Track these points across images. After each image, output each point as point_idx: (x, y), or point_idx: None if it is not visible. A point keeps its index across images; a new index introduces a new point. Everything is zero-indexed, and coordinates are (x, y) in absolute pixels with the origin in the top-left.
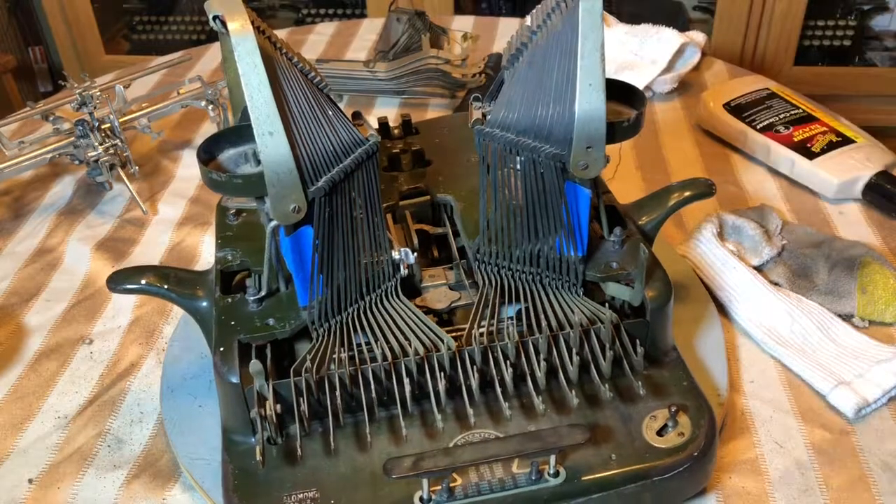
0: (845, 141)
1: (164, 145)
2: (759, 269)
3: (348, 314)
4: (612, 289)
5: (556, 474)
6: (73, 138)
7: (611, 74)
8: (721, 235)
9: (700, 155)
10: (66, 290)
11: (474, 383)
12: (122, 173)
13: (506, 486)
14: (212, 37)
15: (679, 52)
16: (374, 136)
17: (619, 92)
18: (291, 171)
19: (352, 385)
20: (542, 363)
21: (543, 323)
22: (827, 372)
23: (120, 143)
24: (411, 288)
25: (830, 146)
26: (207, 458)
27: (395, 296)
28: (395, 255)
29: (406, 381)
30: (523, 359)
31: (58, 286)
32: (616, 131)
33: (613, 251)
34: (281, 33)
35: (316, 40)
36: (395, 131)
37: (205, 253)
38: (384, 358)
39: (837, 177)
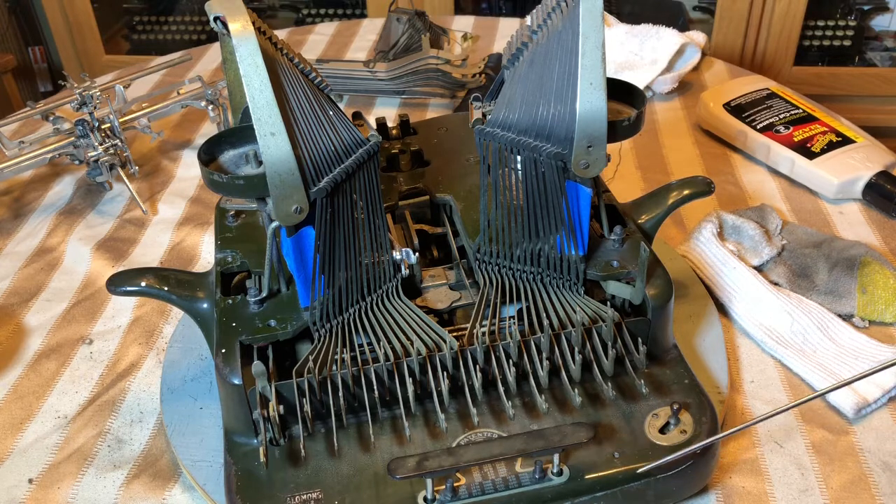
0: (845, 141)
1: (164, 145)
2: (759, 269)
3: (350, 315)
4: (613, 287)
5: (560, 473)
6: (73, 138)
7: (611, 74)
8: (721, 235)
9: (700, 155)
10: (66, 290)
11: (477, 383)
12: (122, 173)
13: (510, 485)
14: (212, 37)
15: (679, 52)
16: (374, 136)
17: (619, 91)
18: (293, 172)
19: (354, 385)
20: (545, 362)
21: (545, 322)
22: (827, 372)
23: (120, 143)
24: (412, 288)
25: (830, 146)
26: (209, 461)
27: (395, 296)
28: (396, 255)
29: (409, 381)
30: (525, 358)
31: (58, 286)
32: (616, 130)
33: (614, 250)
34: (281, 33)
35: (316, 40)
36: (394, 132)
37: (204, 253)
38: (386, 358)
39: (837, 177)
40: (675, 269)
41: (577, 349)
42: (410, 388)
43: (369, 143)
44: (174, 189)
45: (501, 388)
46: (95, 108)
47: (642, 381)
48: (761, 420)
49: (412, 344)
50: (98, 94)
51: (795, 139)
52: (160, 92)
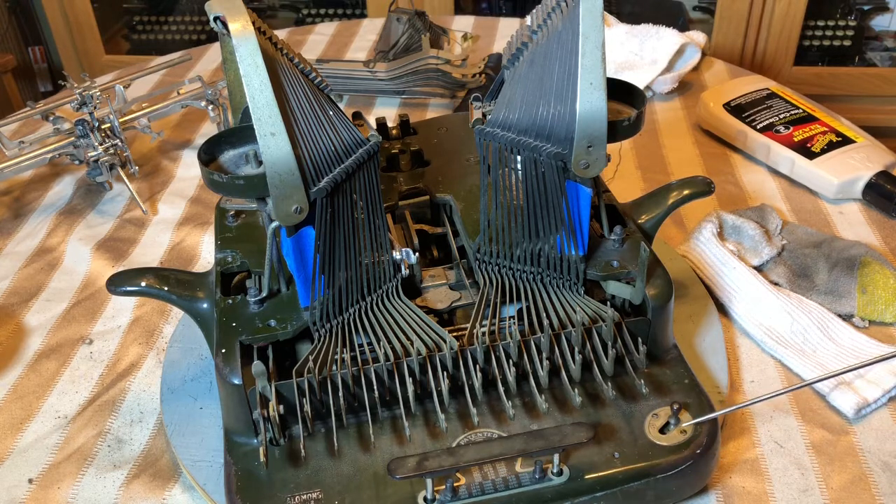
0: (845, 141)
1: (164, 145)
2: (759, 269)
3: (350, 314)
4: (613, 287)
5: (560, 473)
6: (73, 138)
7: (611, 74)
8: (721, 235)
9: (700, 155)
10: (66, 290)
11: (477, 383)
12: (122, 173)
13: (510, 485)
14: (212, 37)
15: (679, 52)
16: (374, 136)
17: (619, 91)
18: (293, 172)
19: (354, 385)
20: (545, 362)
21: (545, 322)
22: (827, 372)
23: (120, 143)
24: (412, 288)
25: (830, 146)
26: (209, 461)
27: (396, 296)
28: (396, 255)
29: (409, 381)
30: (525, 358)
31: (58, 286)
32: (617, 130)
33: (614, 250)
34: (281, 33)
35: (316, 40)
36: (394, 132)
37: (204, 253)
38: (387, 358)
39: (837, 177)
40: (675, 269)
41: (577, 349)
42: (410, 388)
43: (369, 143)
44: (174, 189)
45: (501, 388)
46: (95, 108)
47: (642, 381)
48: (753, 403)
49: (412, 344)
50: (98, 94)
51: (795, 139)
52: (160, 92)
